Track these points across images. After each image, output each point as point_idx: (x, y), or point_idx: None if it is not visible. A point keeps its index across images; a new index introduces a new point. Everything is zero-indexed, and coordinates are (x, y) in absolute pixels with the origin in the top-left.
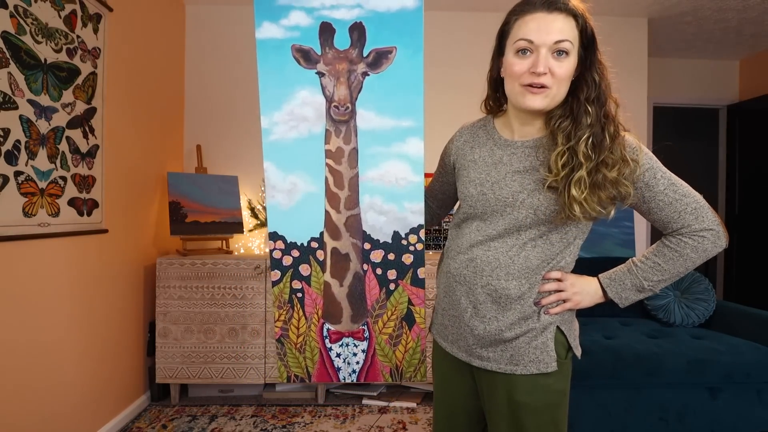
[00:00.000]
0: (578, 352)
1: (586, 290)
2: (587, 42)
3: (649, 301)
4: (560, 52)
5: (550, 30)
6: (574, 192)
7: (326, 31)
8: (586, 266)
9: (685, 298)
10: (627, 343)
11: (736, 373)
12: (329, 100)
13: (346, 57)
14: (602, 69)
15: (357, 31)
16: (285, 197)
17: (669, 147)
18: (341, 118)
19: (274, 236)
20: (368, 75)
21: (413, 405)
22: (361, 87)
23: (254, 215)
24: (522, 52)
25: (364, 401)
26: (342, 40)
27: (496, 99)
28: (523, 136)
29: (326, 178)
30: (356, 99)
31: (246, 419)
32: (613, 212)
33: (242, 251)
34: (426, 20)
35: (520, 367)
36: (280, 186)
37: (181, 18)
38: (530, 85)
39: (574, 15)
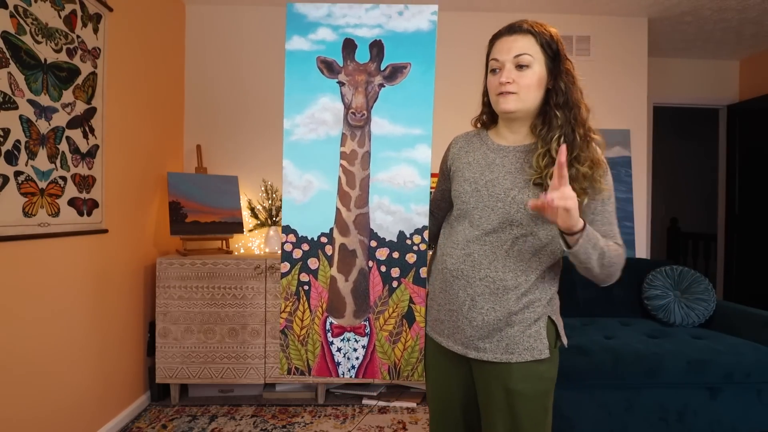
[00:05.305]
0: (565, 341)
1: (576, 214)
2: (553, 55)
3: (649, 301)
4: (520, 66)
5: (510, 48)
6: (549, 183)
7: (349, 46)
8: None
9: (685, 298)
10: (627, 343)
11: (736, 373)
12: (347, 107)
13: (365, 70)
14: (570, 78)
15: (376, 47)
16: (300, 193)
17: (669, 147)
18: (357, 123)
19: (286, 230)
20: (384, 86)
21: (413, 405)
22: (377, 97)
23: (254, 215)
24: (493, 71)
25: (364, 401)
26: (362, 55)
27: (490, 113)
28: (514, 142)
29: (339, 178)
30: (372, 107)
31: (246, 419)
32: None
33: (242, 251)
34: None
35: (515, 355)
36: (296, 183)
37: (181, 18)
38: (501, 93)
39: (532, 33)
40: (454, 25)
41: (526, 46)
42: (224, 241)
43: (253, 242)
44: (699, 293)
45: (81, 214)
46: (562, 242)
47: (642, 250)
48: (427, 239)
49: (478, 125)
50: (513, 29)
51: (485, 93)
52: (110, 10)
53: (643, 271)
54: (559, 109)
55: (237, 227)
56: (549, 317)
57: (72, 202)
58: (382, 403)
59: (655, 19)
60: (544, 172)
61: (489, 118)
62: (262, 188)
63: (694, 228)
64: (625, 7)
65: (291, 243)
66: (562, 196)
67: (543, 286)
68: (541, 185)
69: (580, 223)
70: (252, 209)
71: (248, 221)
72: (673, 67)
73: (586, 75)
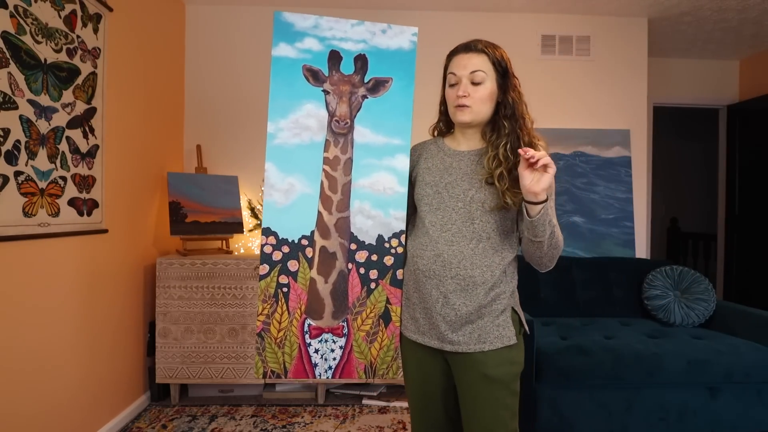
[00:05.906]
0: (527, 328)
1: (550, 182)
2: (503, 72)
3: (649, 301)
4: (475, 82)
5: (467, 65)
6: (498, 184)
7: (334, 57)
8: (586, 266)
9: (685, 298)
10: (627, 343)
11: (736, 373)
12: (331, 115)
13: (349, 81)
14: (516, 93)
15: (361, 61)
16: (282, 196)
17: (669, 147)
18: (340, 131)
19: (267, 232)
20: (367, 98)
21: None
22: (360, 107)
23: (254, 215)
24: (451, 85)
25: (364, 401)
26: (347, 67)
27: (446, 122)
28: (468, 147)
29: (322, 182)
30: (355, 116)
31: (246, 419)
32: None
33: (242, 251)
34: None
35: (487, 344)
36: (279, 186)
37: (181, 18)
38: (458, 106)
39: (485, 53)
40: (454, 24)
41: (480, 64)
42: (224, 241)
43: (253, 242)
44: (699, 293)
45: (81, 214)
46: (525, 212)
47: (642, 250)
48: (404, 243)
49: (435, 133)
50: (469, 48)
51: (442, 102)
52: (110, 10)
53: (643, 271)
54: (506, 119)
55: (237, 227)
56: (512, 308)
57: (72, 202)
58: (382, 403)
59: (655, 20)
60: (494, 172)
61: (445, 125)
62: (262, 188)
63: (694, 228)
64: (625, 7)
65: (271, 245)
66: (549, 162)
67: (506, 280)
68: (493, 184)
69: (545, 195)
70: (252, 209)
71: (248, 221)
72: (673, 67)
73: (586, 75)
